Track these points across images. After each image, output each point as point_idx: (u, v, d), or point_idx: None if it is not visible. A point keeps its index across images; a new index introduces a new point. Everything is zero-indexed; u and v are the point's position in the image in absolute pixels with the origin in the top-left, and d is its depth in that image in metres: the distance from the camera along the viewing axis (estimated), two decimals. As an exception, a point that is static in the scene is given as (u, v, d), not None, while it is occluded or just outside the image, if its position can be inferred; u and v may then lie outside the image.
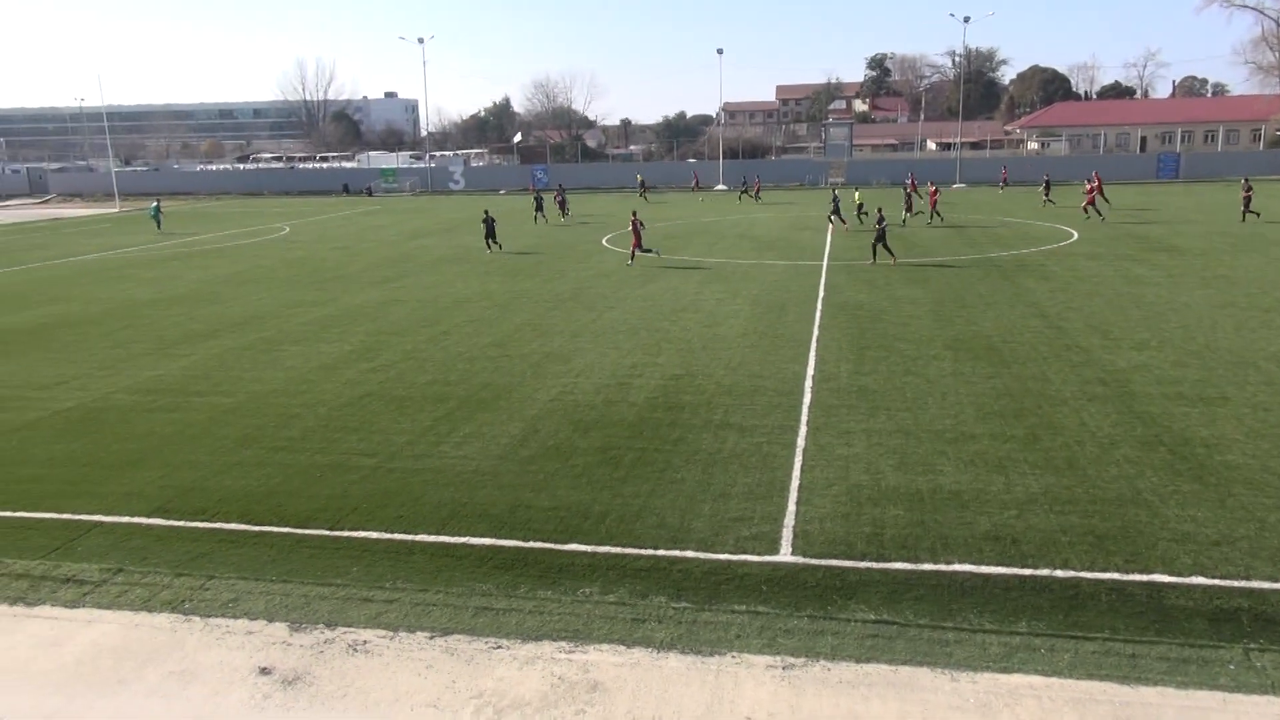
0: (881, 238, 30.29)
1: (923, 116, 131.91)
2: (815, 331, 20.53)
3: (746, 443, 13.32)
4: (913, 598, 9.00)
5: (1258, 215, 40.30)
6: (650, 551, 10.06)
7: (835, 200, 42.28)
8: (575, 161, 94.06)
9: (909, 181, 51.05)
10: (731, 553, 9.97)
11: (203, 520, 11.24)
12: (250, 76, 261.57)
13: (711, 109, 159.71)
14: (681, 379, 16.86)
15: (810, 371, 17.10)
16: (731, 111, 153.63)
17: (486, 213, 39.06)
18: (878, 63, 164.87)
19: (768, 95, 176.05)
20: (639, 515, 10.98)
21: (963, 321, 21.15)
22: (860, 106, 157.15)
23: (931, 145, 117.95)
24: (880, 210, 33.12)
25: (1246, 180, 43.30)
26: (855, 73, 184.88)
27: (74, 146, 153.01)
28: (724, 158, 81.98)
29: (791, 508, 11.05)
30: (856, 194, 46.70)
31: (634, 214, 34.23)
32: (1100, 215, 42.35)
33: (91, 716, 7.59)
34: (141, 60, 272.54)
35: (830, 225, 42.20)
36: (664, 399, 15.61)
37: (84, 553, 10.46)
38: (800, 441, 13.29)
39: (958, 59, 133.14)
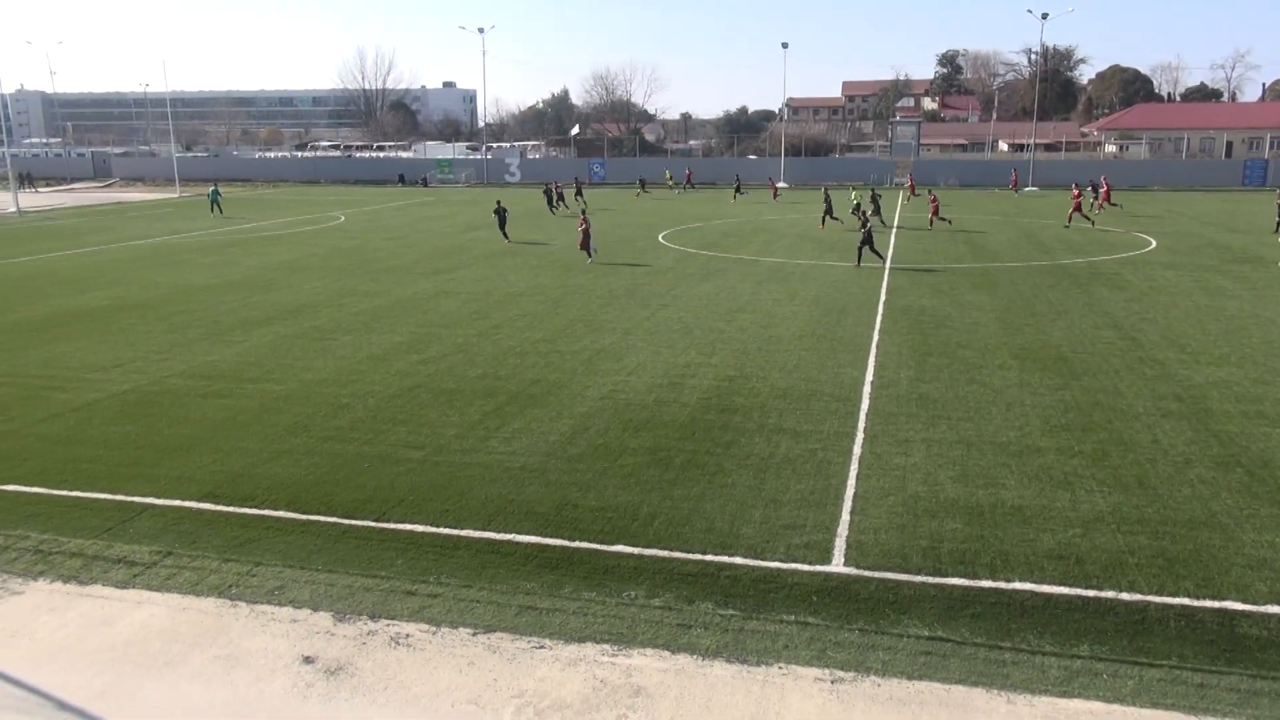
0: (867, 240, 30.50)
1: (995, 116, 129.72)
2: (875, 336, 20.31)
3: (801, 448, 13.24)
4: (969, 615, 8.86)
5: None
6: (698, 556, 10.04)
7: (827, 200, 43.03)
8: (633, 155, 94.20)
9: (908, 183, 52.16)
10: (782, 561, 9.91)
11: (251, 506, 11.49)
12: (311, 64, 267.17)
13: (774, 104, 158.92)
14: (735, 380, 16.81)
15: (869, 377, 16.93)
16: (795, 107, 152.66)
17: (499, 203, 40.57)
18: (949, 60, 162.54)
19: (833, 91, 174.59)
20: (688, 519, 10.97)
21: (1031, 330, 20.77)
22: (929, 105, 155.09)
23: (1003, 146, 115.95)
24: (865, 212, 33.05)
25: None
26: (925, 70, 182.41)
27: (137, 131, 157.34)
28: (786, 155, 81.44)
29: (845, 517, 10.96)
30: (853, 194, 47.08)
31: (582, 213, 35.50)
32: (1090, 221, 41.97)
33: (139, 697, 7.81)
34: (206, 47, 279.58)
35: (822, 227, 42.27)
36: (717, 400, 15.58)
37: (135, 534, 10.76)
38: (856, 449, 13.18)
39: (1034, 57, 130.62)
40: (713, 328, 21.37)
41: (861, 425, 14.20)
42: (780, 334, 20.63)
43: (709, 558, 10.00)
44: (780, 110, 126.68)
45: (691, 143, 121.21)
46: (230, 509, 11.43)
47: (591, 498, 11.62)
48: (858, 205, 44.01)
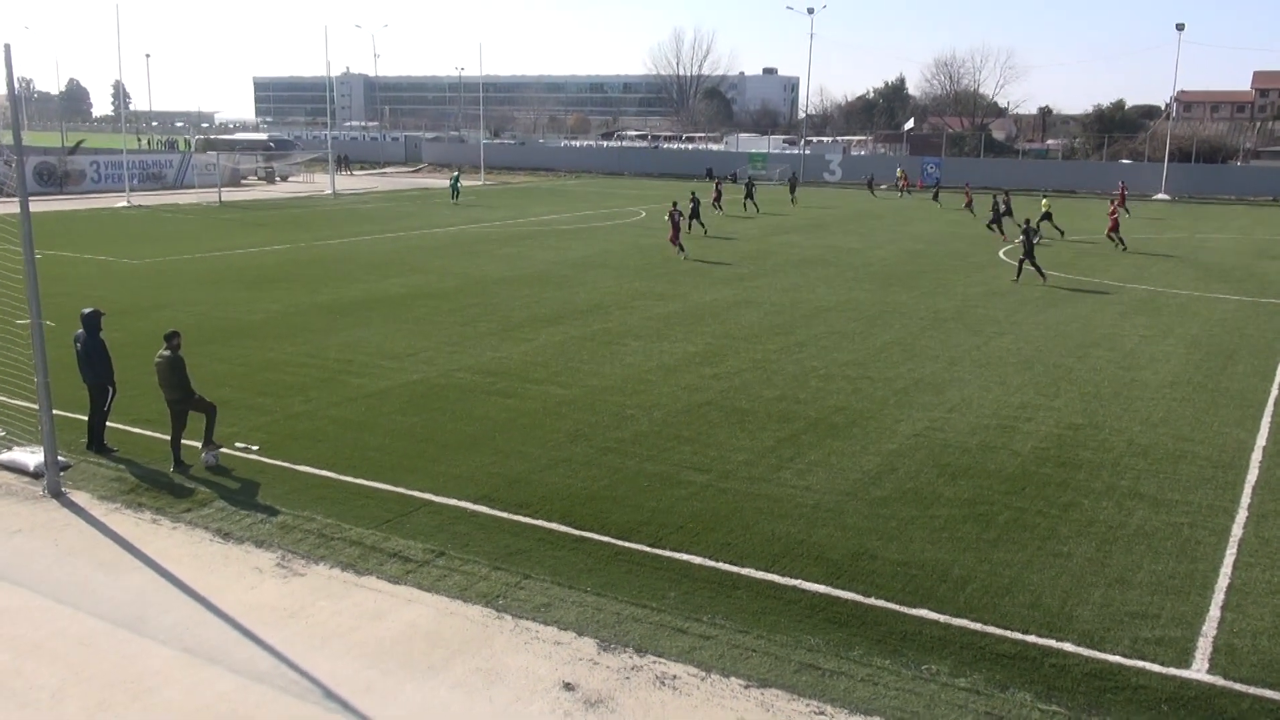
0: (1029, 253, 30.45)
1: None
2: (1275, 391, 18.32)
3: (1160, 520, 12.27)
4: (1381, 762, 7.73)
5: None
6: (1018, 635, 9.56)
7: (995, 208, 43.33)
8: (976, 156, 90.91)
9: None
10: (1125, 655, 9.21)
11: (525, 514, 12.26)
12: (624, 48, 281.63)
13: (1160, 98, 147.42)
14: (1082, 430, 15.83)
15: (1261, 441, 15.38)
16: (1187, 103, 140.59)
17: (693, 193, 44.29)
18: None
19: (1240, 83, 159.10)
20: (1009, 589, 10.46)
21: None
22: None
23: None
24: (1028, 221, 31.41)
25: None
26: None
27: (449, 116, 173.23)
28: (1171, 159, 75.18)
29: (1214, 612, 9.98)
30: (1044, 201, 45.65)
31: (674, 204, 36.79)
32: (1120, 243, 39.37)
33: (401, 698, 8.56)
34: (522, 30, 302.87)
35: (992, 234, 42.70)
36: (1056, 452, 14.78)
37: (411, 529, 11.81)
38: (1236, 529, 12.05)
39: None
40: (1058, 364, 20.23)
41: (1245, 500, 12.99)
42: (1145, 378, 19.17)
43: (1031, 638, 9.48)
44: (1167, 105, 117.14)
45: (1050, 143, 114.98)
46: (504, 514, 12.26)
47: (894, 549, 11.36)
48: (1047, 214, 43.09)
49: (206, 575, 10.70)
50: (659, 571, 10.83)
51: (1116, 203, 43.51)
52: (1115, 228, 39.76)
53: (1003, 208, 43.59)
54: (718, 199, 54.06)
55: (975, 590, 10.45)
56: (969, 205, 54.54)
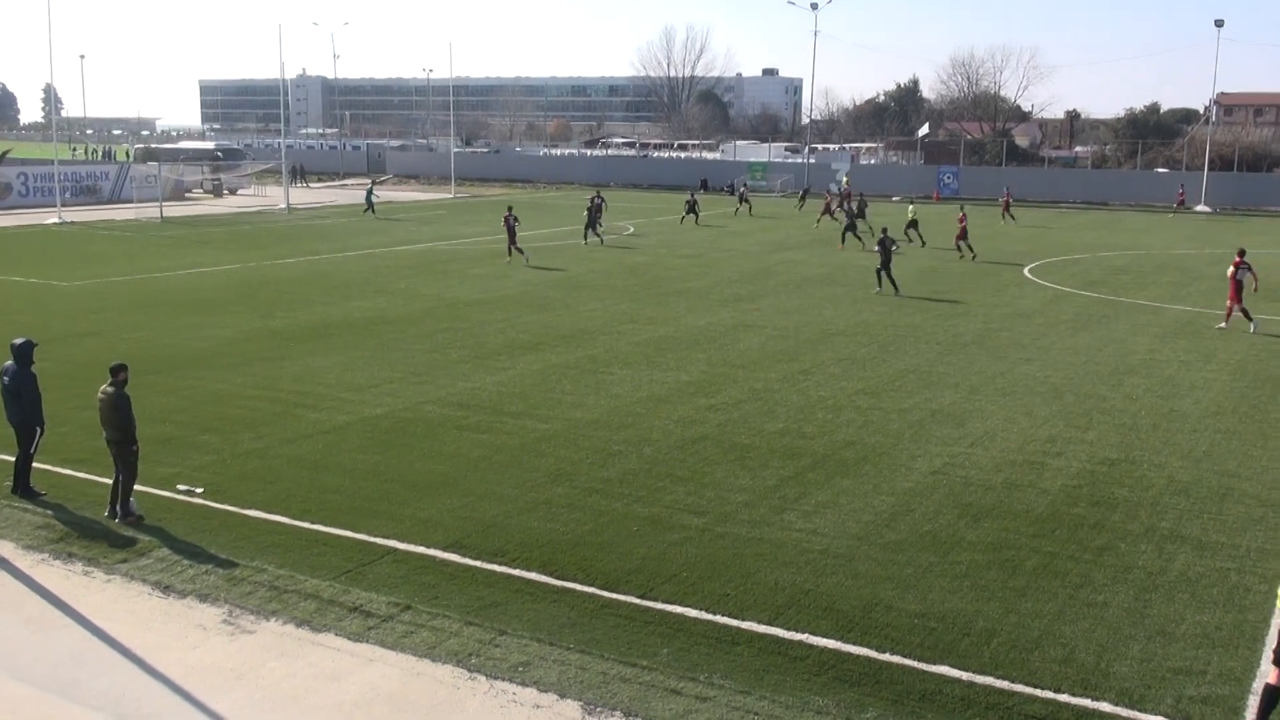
0: (884, 264, 32.43)
1: None
2: (1328, 421, 18.42)
3: (1205, 566, 12.30)
4: None
5: None
6: (1049, 694, 9.56)
7: (849, 211, 47.25)
8: (998, 164, 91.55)
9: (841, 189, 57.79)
10: (1168, 716, 9.23)
11: (500, 563, 12.21)
12: (609, 47, 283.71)
13: (1198, 102, 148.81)
14: (1117, 465, 15.89)
15: (1315, 477, 15.39)
16: (1228, 106, 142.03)
17: (596, 196, 48.74)
18: None
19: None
20: (1038, 642, 10.47)
21: None
22: None
23: None
24: (885, 230, 33.75)
25: None
26: None
27: (416, 123, 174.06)
28: (1211, 168, 75.86)
29: (1265, 667, 9.97)
30: (910, 208, 48.63)
31: (509, 208, 40.74)
32: (971, 252, 41.45)
33: (360, 769, 8.49)
34: (496, 28, 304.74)
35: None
36: (1089, 490, 14.82)
37: (374, 580, 11.76)
38: (1289, 575, 12.02)
39: None
40: (1090, 393, 20.31)
41: (1299, 543, 12.96)
42: (1186, 408, 19.26)
43: (1064, 698, 9.49)
44: (1207, 109, 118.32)
45: (1078, 150, 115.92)
46: (477, 563, 12.21)
47: (911, 599, 11.35)
48: (914, 222, 46.50)
49: (145, 633, 10.62)
50: (651, 625, 10.78)
51: (1002, 208, 47.88)
52: (964, 235, 41.97)
53: (856, 210, 47.88)
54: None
55: (1001, 644, 10.43)
56: (828, 210, 55.95)
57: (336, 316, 27.83)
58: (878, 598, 11.41)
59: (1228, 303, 27.31)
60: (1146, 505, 14.31)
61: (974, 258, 41.03)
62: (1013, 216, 57.41)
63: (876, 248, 33.13)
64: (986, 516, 13.81)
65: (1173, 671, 9.96)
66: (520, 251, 39.25)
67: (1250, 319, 26.74)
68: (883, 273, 32.49)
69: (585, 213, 46.96)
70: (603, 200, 50.11)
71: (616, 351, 23.79)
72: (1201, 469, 15.87)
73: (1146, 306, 30.87)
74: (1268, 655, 10.21)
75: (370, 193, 62.62)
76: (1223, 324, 27.28)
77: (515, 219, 39.92)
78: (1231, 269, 27.16)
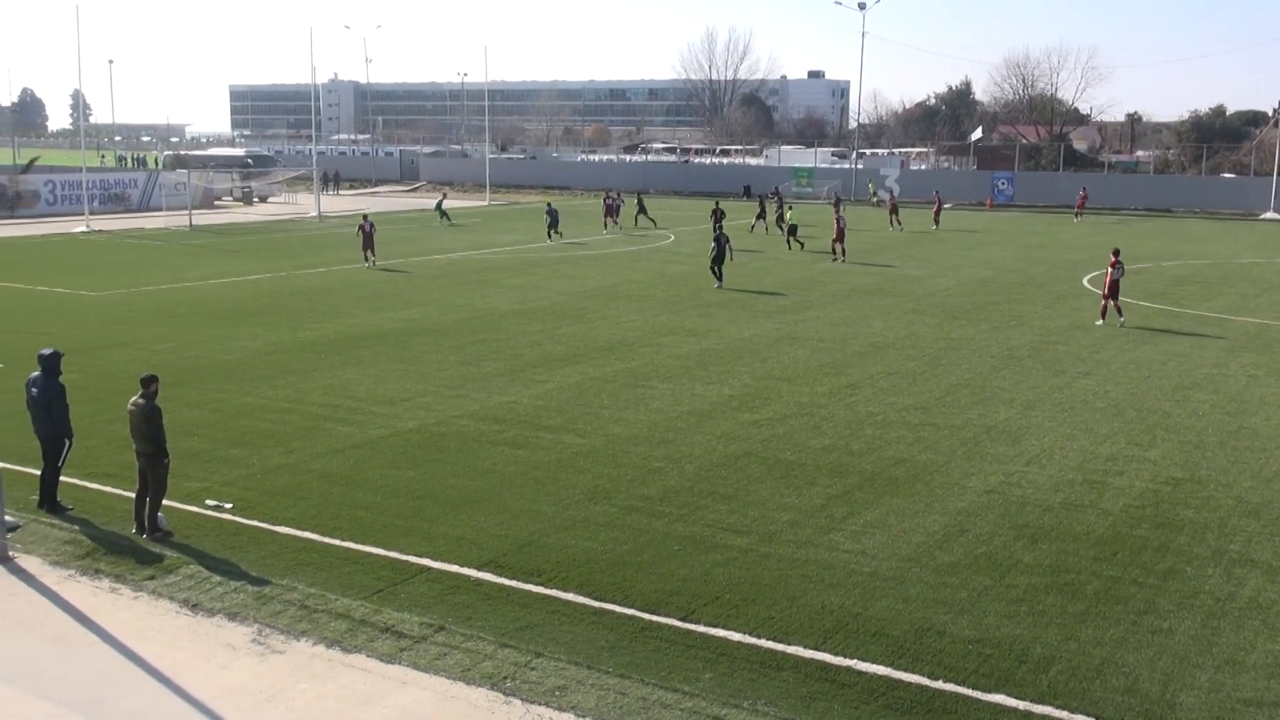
0: (718, 258, 35.90)
1: None
2: (1407, 439, 18.13)
3: (1277, 591, 12.19)
4: None
5: None
6: (1111, 725, 9.42)
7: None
8: (1055, 169, 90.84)
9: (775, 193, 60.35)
10: (1237, 750, 9.06)
11: (537, 583, 12.23)
12: (649, 50, 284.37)
13: (1267, 104, 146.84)
14: (1182, 485, 15.72)
15: (1393, 498, 15.14)
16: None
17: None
18: None
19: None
20: (1100, 671, 10.38)
21: None
22: None
23: None
24: (720, 227, 38.20)
25: None
26: None
27: (450, 129, 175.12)
28: (1280, 173, 74.78)
29: (1342, 699, 9.81)
30: (789, 211, 51.10)
31: (364, 215, 42.55)
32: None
33: (392, 796, 8.52)
34: (533, 31, 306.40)
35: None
36: (1153, 511, 14.68)
37: (406, 600, 11.81)
38: (1366, 602, 11.82)
39: None
40: (1153, 409, 20.10)
41: (1377, 568, 12.75)
42: (1255, 425, 19.04)
43: (1127, 730, 9.35)
44: (1276, 111, 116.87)
45: (1139, 154, 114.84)
46: (513, 583, 12.24)
47: (965, 625, 11.27)
48: (795, 227, 48.42)
49: (172, 652, 10.73)
50: (692, 649, 10.76)
51: (1078, 206, 53.62)
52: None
53: (777, 211, 51.34)
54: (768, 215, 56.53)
55: (1060, 672, 10.36)
56: (760, 217, 56.10)
57: (368, 327, 28.03)
58: (930, 622, 11.33)
59: None
60: (1214, 527, 14.15)
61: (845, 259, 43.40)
62: (1080, 218, 59.19)
63: (713, 244, 36.57)
64: (1044, 538, 13.69)
65: (1243, 703, 9.85)
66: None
67: None
68: (717, 267, 35.92)
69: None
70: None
71: (656, 364, 23.80)
72: (1272, 489, 15.67)
73: (1211, 318, 30.52)
74: (1344, 687, 10.07)
75: (440, 204, 63.91)
76: None
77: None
78: None
